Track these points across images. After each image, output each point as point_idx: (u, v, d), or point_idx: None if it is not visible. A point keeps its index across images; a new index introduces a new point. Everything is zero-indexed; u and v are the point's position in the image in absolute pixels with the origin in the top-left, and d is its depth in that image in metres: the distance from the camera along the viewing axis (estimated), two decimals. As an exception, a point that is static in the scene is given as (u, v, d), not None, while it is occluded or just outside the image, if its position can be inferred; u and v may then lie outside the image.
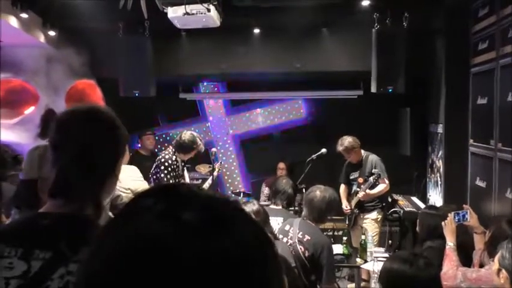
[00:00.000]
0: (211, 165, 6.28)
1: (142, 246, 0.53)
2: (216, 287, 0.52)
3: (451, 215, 3.49)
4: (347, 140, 5.75)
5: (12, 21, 5.36)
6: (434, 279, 2.30)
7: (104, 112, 1.49)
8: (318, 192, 3.97)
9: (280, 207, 4.54)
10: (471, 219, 3.51)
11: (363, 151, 5.89)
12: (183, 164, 5.65)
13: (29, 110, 6.10)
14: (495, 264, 2.68)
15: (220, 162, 6.82)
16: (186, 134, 5.48)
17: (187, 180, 6.20)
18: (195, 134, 5.57)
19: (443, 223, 3.49)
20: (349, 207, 5.93)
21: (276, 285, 0.58)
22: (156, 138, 7.84)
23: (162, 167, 5.34)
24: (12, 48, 6.03)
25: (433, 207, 5.13)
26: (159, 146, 7.91)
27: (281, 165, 7.56)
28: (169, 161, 5.38)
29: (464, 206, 3.69)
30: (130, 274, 0.52)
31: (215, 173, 6.17)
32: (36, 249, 1.29)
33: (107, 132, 1.46)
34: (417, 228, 4.03)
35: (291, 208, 5.13)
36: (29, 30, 5.81)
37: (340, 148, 5.77)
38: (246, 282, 0.54)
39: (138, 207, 0.58)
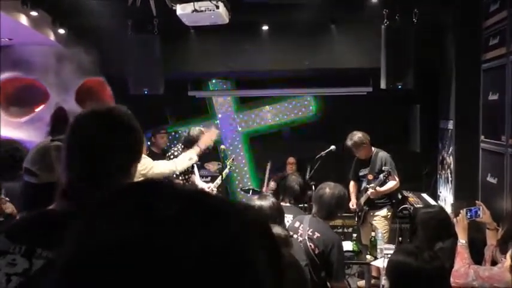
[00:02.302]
0: (220, 163, 6.28)
1: (125, 243, 0.50)
2: (203, 283, 0.50)
3: (463, 212, 3.42)
4: (357, 136, 5.72)
5: (22, 19, 5.39)
6: (440, 271, 2.29)
7: (122, 114, 1.45)
8: (328, 189, 3.96)
9: (288, 204, 4.54)
10: (484, 215, 3.46)
11: (372, 148, 5.86)
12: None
13: (39, 108, 6.14)
14: (507, 261, 2.66)
15: (232, 159, 6.81)
16: (195, 130, 5.63)
17: (197, 176, 6.21)
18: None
19: (455, 220, 3.45)
20: (355, 206, 5.91)
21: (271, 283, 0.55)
22: (165, 135, 7.85)
23: (172, 164, 5.37)
24: (22, 47, 6.06)
25: (429, 206, 5.09)
26: (168, 144, 7.93)
27: (291, 159, 7.53)
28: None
29: (476, 202, 3.65)
30: (113, 273, 0.49)
31: (226, 170, 6.17)
32: (38, 248, 1.28)
33: (124, 135, 1.43)
34: (419, 232, 3.96)
35: (300, 205, 5.12)
36: (39, 29, 5.83)
37: (349, 143, 5.73)
38: (236, 279, 0.51)
39: (117, 203, 0.55)
